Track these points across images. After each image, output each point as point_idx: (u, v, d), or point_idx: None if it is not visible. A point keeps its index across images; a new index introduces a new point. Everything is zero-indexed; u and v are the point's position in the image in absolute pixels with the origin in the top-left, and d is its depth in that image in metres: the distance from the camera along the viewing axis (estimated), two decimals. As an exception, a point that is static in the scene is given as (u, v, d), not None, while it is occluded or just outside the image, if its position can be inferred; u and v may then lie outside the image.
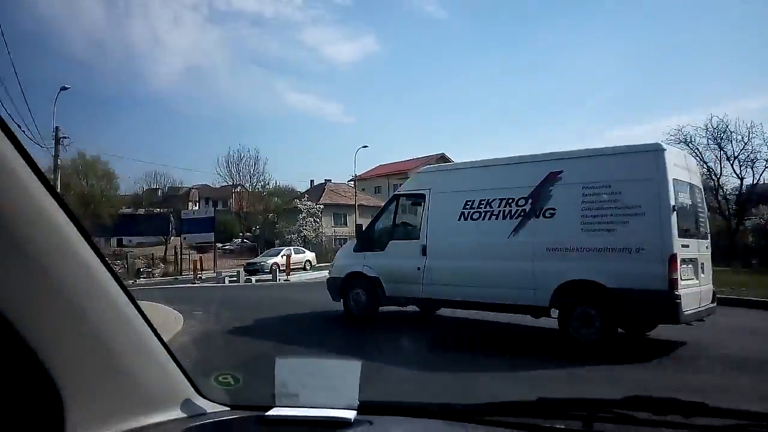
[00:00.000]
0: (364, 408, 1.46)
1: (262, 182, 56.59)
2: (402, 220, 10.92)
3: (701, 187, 8.72)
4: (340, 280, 11.05)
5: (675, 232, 7.12)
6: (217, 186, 65.14)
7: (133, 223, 55.92)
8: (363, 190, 63.64)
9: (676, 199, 7.26)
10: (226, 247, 54.78)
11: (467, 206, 9.17)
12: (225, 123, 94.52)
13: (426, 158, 60.68)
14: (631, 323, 7.86)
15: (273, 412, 1.46)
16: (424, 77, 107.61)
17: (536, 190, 8.23)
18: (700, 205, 8.31)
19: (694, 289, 7.48)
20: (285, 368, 1.54)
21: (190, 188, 65.55)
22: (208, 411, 1.49)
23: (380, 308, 10.72)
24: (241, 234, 58.06)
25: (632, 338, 8.31)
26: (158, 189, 58.93)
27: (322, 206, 52.61)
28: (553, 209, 8.05)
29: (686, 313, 7.08)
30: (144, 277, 33.03)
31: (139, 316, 1.29)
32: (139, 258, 43.31)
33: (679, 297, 6.91)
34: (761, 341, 8.55)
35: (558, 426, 1.38)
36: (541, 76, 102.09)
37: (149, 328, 1.33)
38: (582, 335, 7.62)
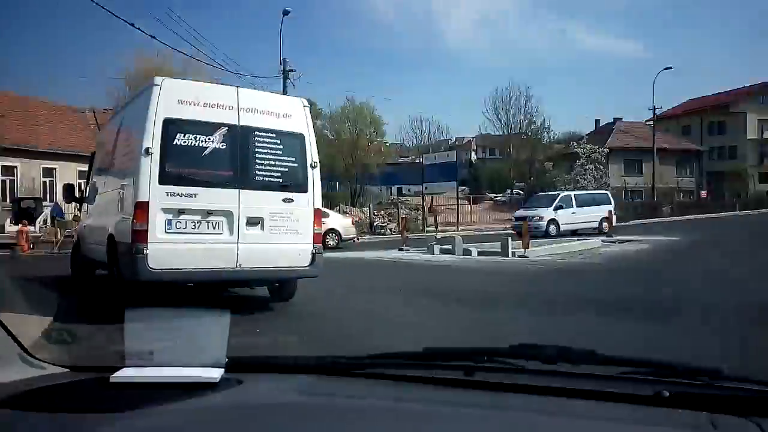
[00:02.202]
0: (233, 366, 1.35)
1: (534, 124, 48.92)
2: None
3: (285, 130, 6.98)
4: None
5: (147, 178, 6.19)
6: (491, 134, 59.48)
7: (408, 171, 54.78)
8: (667, 130, 50.95)
9: (165, 140, 6.27)
10: (497, 198, 50.42)
11: None
12: (511, 72, 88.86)
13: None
14: (118, 279, 6.74)
15: (121, 373, 1.30)
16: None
17: None
18: (261, 150, 6.80)
19: (210, 246, 6.51)
20: (136, 321, 1.44)
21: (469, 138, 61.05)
22: (39, 374, 1.33)
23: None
24: (515, 184, 52.05)
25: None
26: (446, 140, 55.40)
27: (607, 150, 42.83)
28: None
29: (162, 270, 6.21)
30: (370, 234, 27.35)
31: None
32: (406, 208, 40.85)
33: (142, 250, 6.06)
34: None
35: (439, 376, 1.36)
36: None
37: None
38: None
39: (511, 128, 51.61)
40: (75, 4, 74.03)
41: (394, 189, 59.17)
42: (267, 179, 6.97)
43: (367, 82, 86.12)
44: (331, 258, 14.75)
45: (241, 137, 6.83)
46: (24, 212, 22.67)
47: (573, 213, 24.12)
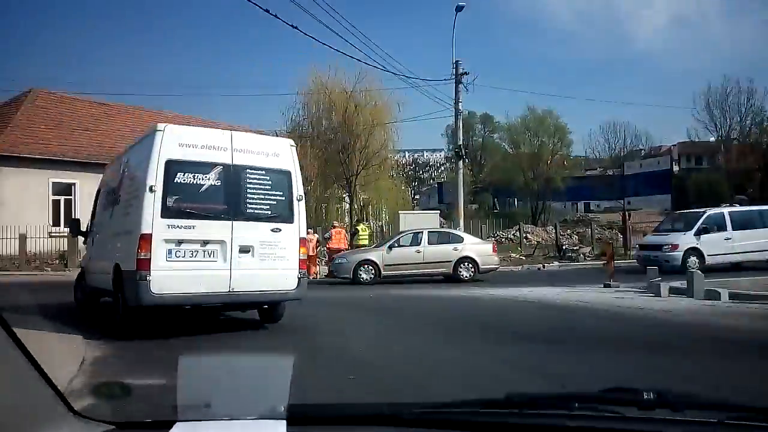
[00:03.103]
0: (296, 416, 1.27)
1: (760, 123, 40.43)
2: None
3: (274, 167, 7.80)
4: None
5: (150, 211, 7.05)
6: (699, 140, 50.98)
7: (596, 185, 49.20)
8: None
9: (167, 179, 7.14)
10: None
11: None
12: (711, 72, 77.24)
13: None
14: (123, 304, 7.48)
15: (176, 429, 1.22)
16: None
17: None
18: (252, 186, 7.68)
19: (206, 272, 7.28)
20: (191, 370, 1.43)
21: (669, 146, 53.11)
22: None
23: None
24: (731, 197, 43.51)
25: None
26: (640, 149, 48.78)
27: None
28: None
29: (162, 294, 6.97)
30: (560, 262, 21.21)
31: None
32: (598, 227, 35.84)
33: (145, 277, 6.86)
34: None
35: (531, 423, 1.28)
36: None
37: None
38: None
39: (726, 131, 43.35)
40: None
41: (581, 205, 53.92)
42: (257, 211, 7.72)
43: (548, 91, 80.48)
44: (472, 297, 11.84)
45: (234, 175, 7.59)
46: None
47: (727, 239, 16.87)
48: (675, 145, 56.98)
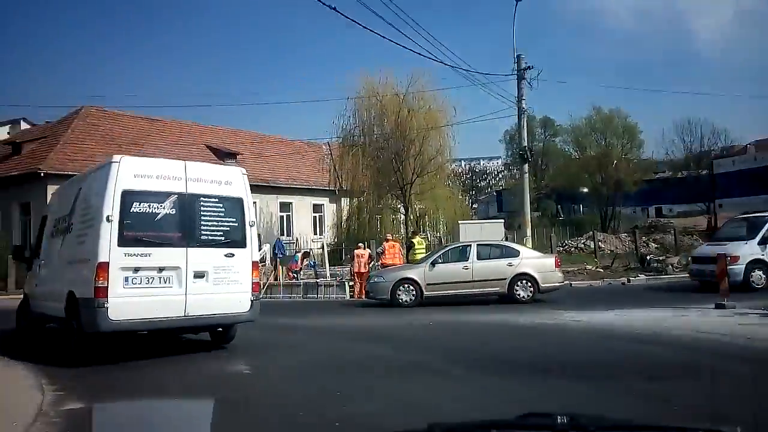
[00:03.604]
0: None
1: None
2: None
3: (227, 195, 8.20)
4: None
5: (107, 240, 7.25)
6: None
7: (667, 188, 45.62)
8: None
9: (123, 208, 7.37)
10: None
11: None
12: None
13: None
14: (78, 330, 7.64)
15: None
16: None
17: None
18: (206, 213, 8.05)
19: (162, 298, 7.53)
20: (106, 417, 1.84)
21: (744, 145, 48.70)
22: None
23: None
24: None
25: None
26: (708, 152, 44.91)
27: None
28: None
29: (120, 320, 7.20)
30: (644, 273, 18.32)
31: None
32: (670, 233, 32.78)
33: (102, 304, 7.08)
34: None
35: None
36: None
37: None
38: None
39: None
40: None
41: (651, 210, 50.32)
42: (211, 237, 8.07)
43: (612, 93, 76.47)
44: (556, 328, 9.55)
45: (188, 203, 7.90)
46: None
47: None
48: (753, 143, 52.19)
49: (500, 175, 75.31)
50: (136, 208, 7.46)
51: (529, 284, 13.28)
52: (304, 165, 33.60)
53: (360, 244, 17.70)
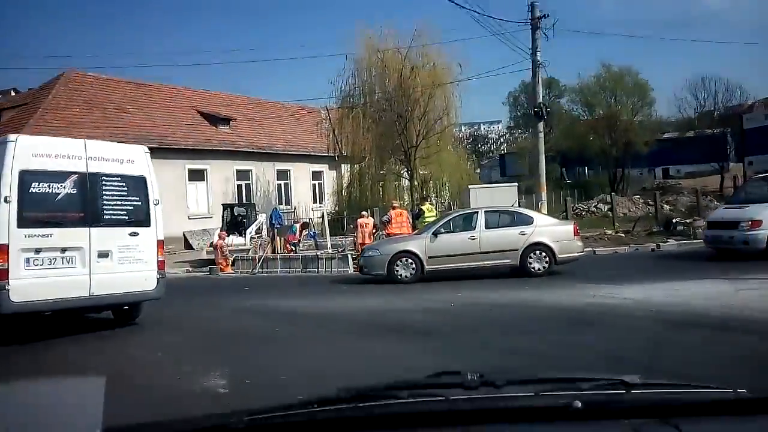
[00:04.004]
0: None
1: None
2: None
3: (129, 174, 8.25)
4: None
5: (6, 222, 7.22)
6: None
7: (676, 148, 44.08)
8: None
9: (22, 189, 7.33)
10: None
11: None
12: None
13: None
14: None
15: None
16: None
17: None
18: (108, 193, 8.08)
19: (66, 279, 7.59)
20: None
21: (751, 103, 46.75)
22: None
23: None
24: None
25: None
26: (713, 111, 43.11)
27: None
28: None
29: (22, 302, 7.21)
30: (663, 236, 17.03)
31: None
32: (685, 194, 31.59)
33: (3, 287, 7.11)
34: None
35: (364, 414, 1.28)
36: None
37: None
38: None
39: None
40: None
41: (658, 171, 48.93)
42: (114, 217, 8.12)
43: (620, 49, 74.05)
44: (603, 307, 7.88)
45: (90, 182, 7.86)
46: (235, 222, 20.30)
47: None
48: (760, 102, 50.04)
49: (501, 140, 73.70)
50: (36, 188, 7.44)
51: (545, 255, 11.80)
52: (302, 130, 32.11)
53: (363, 213, 16.36)
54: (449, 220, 12.79)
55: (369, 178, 24.15)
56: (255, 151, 28.20)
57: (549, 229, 12.22)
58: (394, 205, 15.27)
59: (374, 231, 15.45)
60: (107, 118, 23.64)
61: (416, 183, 22.26)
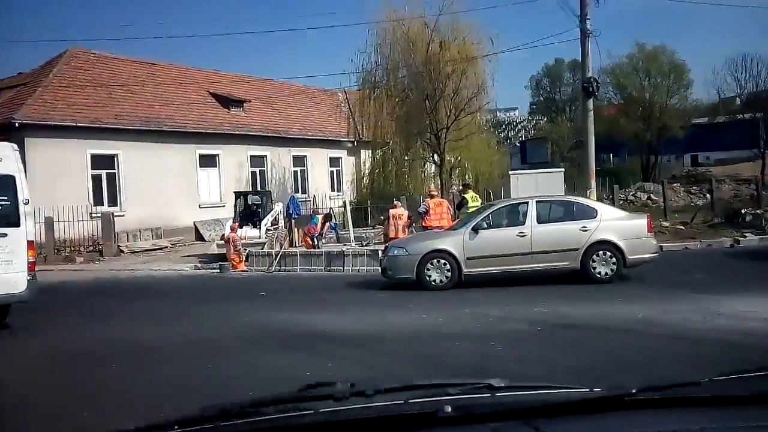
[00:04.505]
0: None
1: None
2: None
3: (2, 173, 8.11)
4: None
5: None
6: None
7: (706, 133, 41.83)
8: None
9: None
10: None
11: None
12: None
13: None
14: None
15: None
16: None
17: None
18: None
19: None
20: None
21: None
22: None
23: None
24: None
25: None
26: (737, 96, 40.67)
27: None
28: None
29: None
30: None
31: None
32: (724, 181, 29.72)
33: None
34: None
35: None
36: None
37: None
38: None
39: None
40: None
41: (687, 158, 46.74)
42: None
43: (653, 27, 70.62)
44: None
45: None
46: (249, 212, 18.50)
47: None
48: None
49: (519, 126, 71.33)
50: None
51: (611, 256, 9.77)
52: (320, 113, 30.32)
53: (397, 202, 14.44)
54: (493, 212, 10.72)
55: (393, 164, 22.31)
56: (270, 135, 26.49)
57: (617, 224, 10.17)
58: (432, 193, 13.35)
59: (410, 223, 13.59)
60: (112, 98, 21.99)
61: (446, 169, 20.34)
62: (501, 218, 10.58)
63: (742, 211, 15.81)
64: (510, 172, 17.39)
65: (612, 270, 9.79)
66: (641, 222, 10.50)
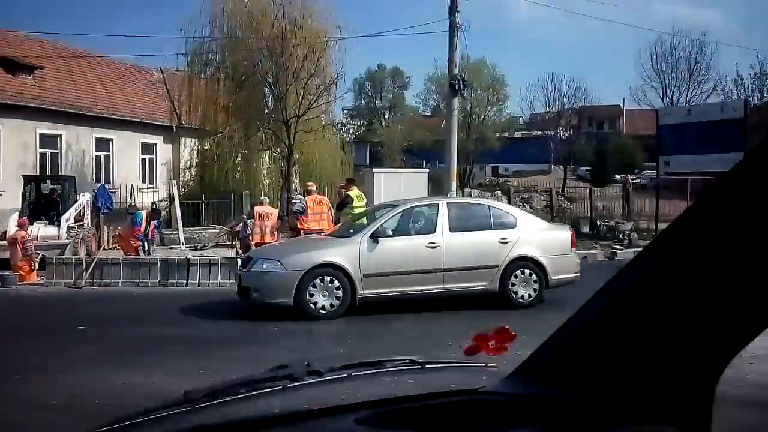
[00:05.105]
0: None
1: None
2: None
3: None
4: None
5: None
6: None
7: (514, 147, 45.69)
8: None
9: None
10: (635, 181, 40.39)
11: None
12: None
13: None
14: None
15: None
16: None
17: None
18: None
19: None
20: None
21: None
22: None
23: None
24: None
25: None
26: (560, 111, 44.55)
27: None
28: None
29: None
30: None
31: None
32: (538, 191, 32.16)
33: None
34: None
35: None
36: None
37: None
38: None
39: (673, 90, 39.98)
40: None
41: (488, 169, 50.48)
42: None
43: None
44: None
45: None
46: (46, 203, 14.35)
47: None
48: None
49: (347, 127, 70.61)
50: None
51: (533, 275, 8.29)
52: (132, 91, 25.91)
53: (264, 198, 11.74)
54: (395, 215, 8.63)
55: (231, 155, 19.47)
56: (67, 110, 21.70)
57: (539, 236, 8.63)
58: (311, 188, 10.92)
59: (278, 225, 11.01)
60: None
61: (295, 162, 18.16)
62: (405, 223, 8.62)
63: (598, 223, 16.14)
64: (372, 170, 15.93)
65: (533, 292, 8.34)
66: (565, 235, 9.06)
